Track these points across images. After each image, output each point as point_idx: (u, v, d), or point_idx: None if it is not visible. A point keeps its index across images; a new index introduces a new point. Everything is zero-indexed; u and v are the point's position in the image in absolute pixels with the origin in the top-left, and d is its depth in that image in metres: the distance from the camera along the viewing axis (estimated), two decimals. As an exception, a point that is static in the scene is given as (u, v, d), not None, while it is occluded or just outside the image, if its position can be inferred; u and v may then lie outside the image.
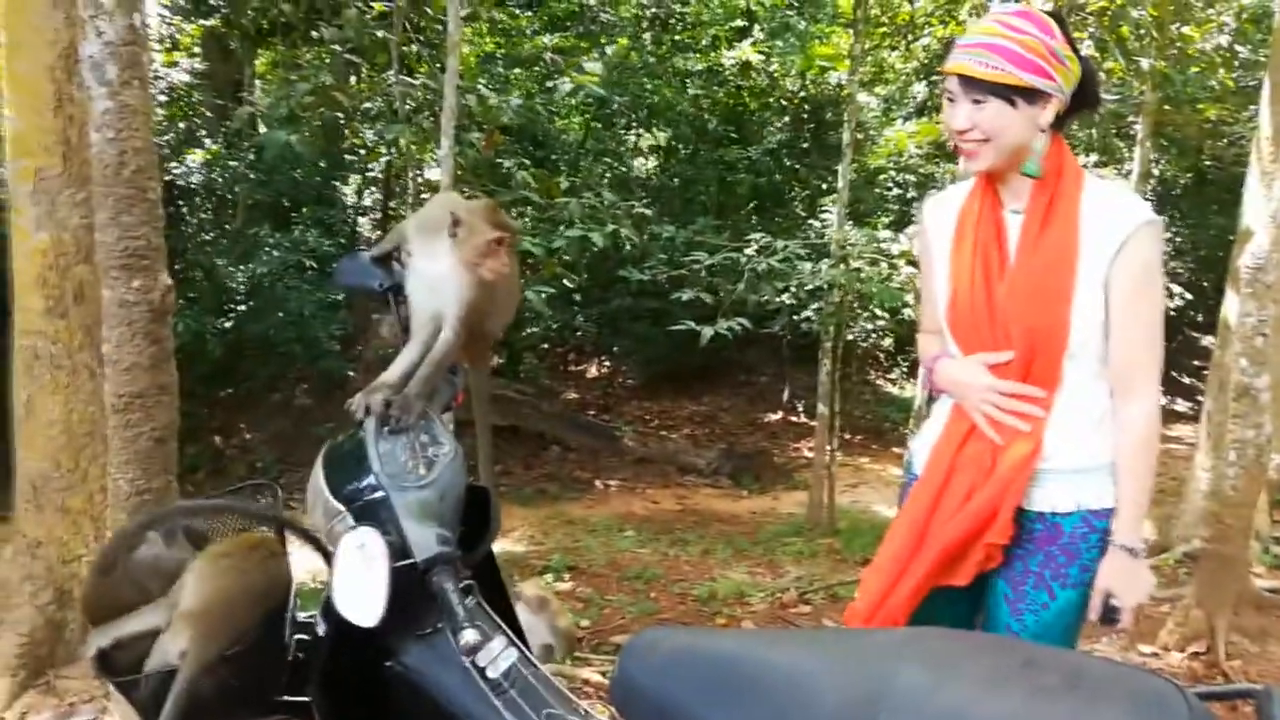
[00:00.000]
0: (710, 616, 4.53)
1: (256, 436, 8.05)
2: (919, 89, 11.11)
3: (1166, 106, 8.58)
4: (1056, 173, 1.75)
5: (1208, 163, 11.96)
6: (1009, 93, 1.68)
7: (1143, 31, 7.50)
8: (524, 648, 1.75)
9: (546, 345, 11.49)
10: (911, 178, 10.95)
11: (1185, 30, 7.91)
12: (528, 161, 7.40)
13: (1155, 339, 1.75)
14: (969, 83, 1.69)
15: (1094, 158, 12.05)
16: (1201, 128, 9.54)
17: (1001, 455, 1.78)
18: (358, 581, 1.62)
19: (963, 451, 1.82)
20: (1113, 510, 1.77)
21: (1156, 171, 12.17)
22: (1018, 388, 1.77)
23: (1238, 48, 8.63)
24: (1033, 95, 1.69)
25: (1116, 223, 1.70)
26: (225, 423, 8.08)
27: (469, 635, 1.58)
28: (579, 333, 11.78)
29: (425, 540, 1.67)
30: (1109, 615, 1.75)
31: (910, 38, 8.90)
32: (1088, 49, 7.60)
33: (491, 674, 1.65)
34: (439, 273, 1.89)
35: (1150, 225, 1.70)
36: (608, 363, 11.86)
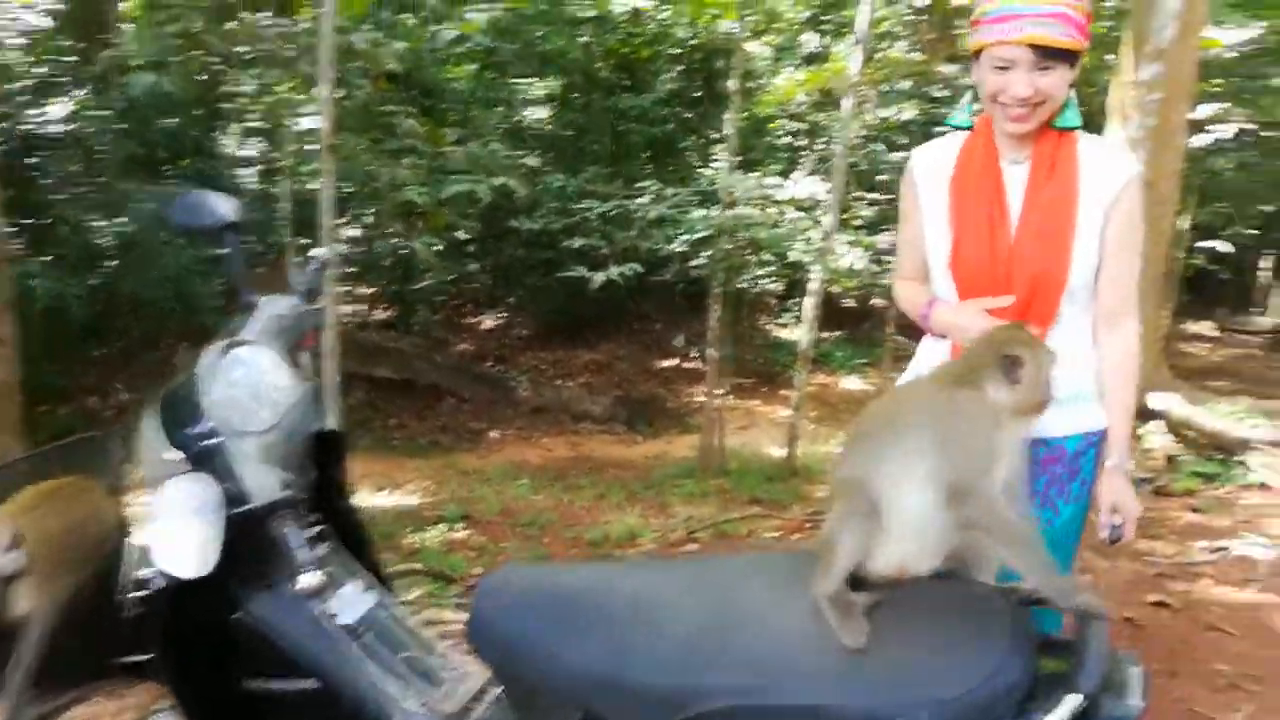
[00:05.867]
0: (601, 558, 4.63)
1: (133, 396, 7.76)
2: (808, 38, 11.22)
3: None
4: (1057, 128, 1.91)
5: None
6: (1074, 59, 1.81)
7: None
8: (387, 592, 1.75)
9: (441, 298, 11.34)
10: (801, 125, 11.06)
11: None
12: (414, 109, 7.24)
13: (1137, 275, 1.95)
14: (1044, 51, 1.77)
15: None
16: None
17: None
18: (180, 531, 1.54)
19: None
20: (1105, 431, 1.94)
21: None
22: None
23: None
24: (1076, 58, 1.83)
25: (1112, 175, 1.87)
26: (99, 383, 7.78)
27: (305, 580, 1.56)
28: (473, 284, 11.64)
29: (264, 486, 1.61)
30: (1115, 532, 1.92)
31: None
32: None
33: (344, 620, 1.64)
34: None
35: (1139, 177, 1.89)
36: (502, 314, 11.79)
